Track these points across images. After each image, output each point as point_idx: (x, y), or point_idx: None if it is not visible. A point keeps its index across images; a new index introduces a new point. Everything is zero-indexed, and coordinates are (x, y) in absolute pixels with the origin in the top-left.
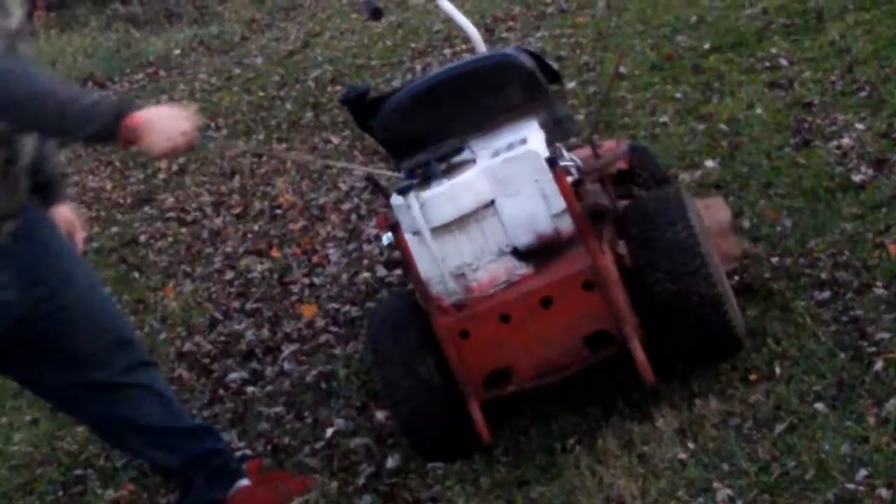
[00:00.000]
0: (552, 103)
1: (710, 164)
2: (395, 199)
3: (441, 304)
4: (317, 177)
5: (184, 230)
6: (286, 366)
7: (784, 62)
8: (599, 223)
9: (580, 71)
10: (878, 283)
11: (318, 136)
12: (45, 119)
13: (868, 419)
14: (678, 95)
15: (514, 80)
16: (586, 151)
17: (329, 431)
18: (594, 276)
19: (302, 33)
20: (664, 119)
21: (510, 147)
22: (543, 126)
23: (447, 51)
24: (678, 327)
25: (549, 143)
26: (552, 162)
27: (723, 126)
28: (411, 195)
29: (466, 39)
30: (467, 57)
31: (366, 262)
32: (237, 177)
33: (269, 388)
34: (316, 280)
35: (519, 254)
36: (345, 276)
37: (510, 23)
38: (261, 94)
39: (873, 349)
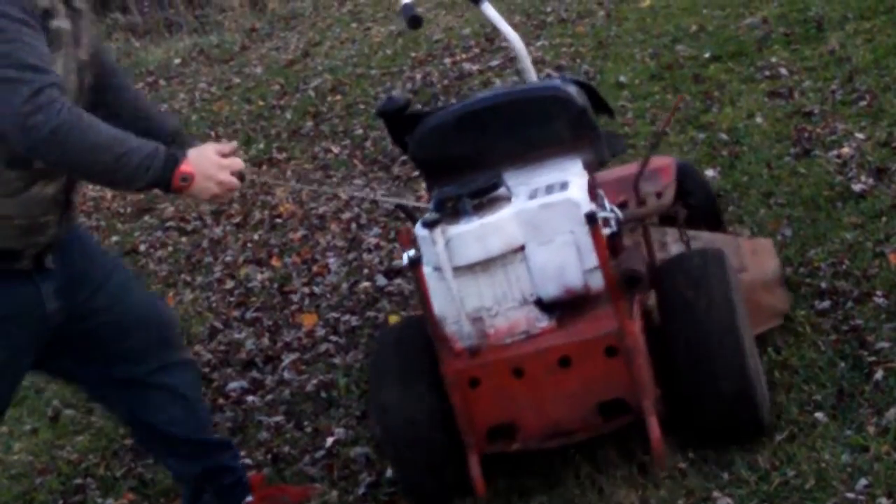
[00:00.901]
0: (600, 141)
1: (710, 173)
2: (420, 231)
3: (454, 346)
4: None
5: (184, 239)
6: (286, 375)
7: (784, 71)
8: (632, 289)
9: None
10: (878, 293)
11: (318, 146)
12: (101, 173)
13: (868, 428)
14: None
15: (562, 115)
16: (632, 168)
17: (329, 441)
18: (619, 343)
19: (302, 42)
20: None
21: (549, 190)
22: (589, 165)
23: (447, 60)
24: (700, 409)
25: (592, 186)
26: (591, 217)
27: (723, 135)
28: (438, 230)
29: (512, 52)
30: (517, 84)
31: (366, 271)
32: None
33: (269, 397)
34: (316, 289)
35: (543, 305)
36: (345, 286)
37: None
38: (261, 103)
39: (873, 358)
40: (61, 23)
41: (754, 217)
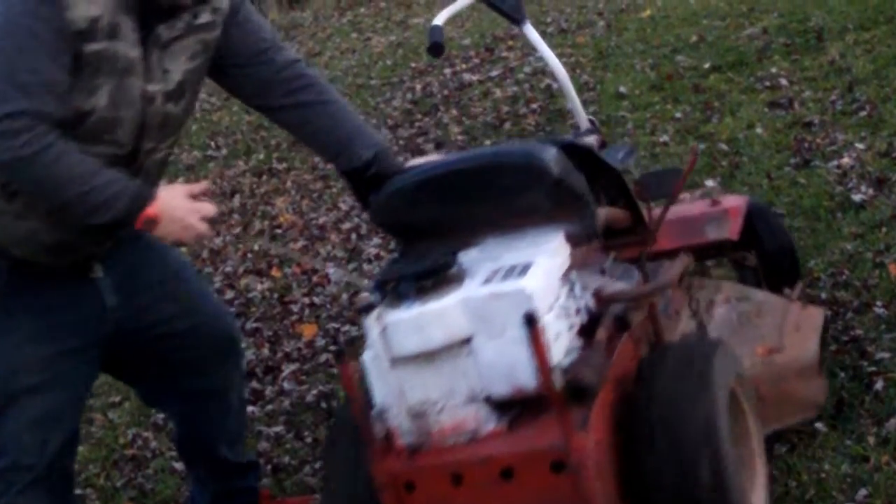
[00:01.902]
0: (588, 211)
1: (710, 183)
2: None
3: (394, 442)
4: (317, 196)
5: (183, 249)
6: (286, 385)
7: (784, 82)
8: (578, 401)
9: (580, 90)
10: (878, 303)
11: (317, 156)
12: (61, 207)
13: (868, 439)
14: (678, 115)
15: (534, 186)
16: (703, 205)
17: None
18: (565, 458)
19: (302, 53)
20: (664, 138)
21: (507, 275)
22: (574, 238)
23: (447, 70)
24: None
25: (569, 266)
26: (530, 319)
27: (723, 145)
28: (373, 316)
29: (554, 80)
30: (488, 148)
31: (366, 281)
32: (237, 196)
33: (269, 407)
34: (316, 300)
35: (494, 403)
36: (345, 296)
37: (510, 42)
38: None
39: (873, 369)
40: (115, 47)
41: None
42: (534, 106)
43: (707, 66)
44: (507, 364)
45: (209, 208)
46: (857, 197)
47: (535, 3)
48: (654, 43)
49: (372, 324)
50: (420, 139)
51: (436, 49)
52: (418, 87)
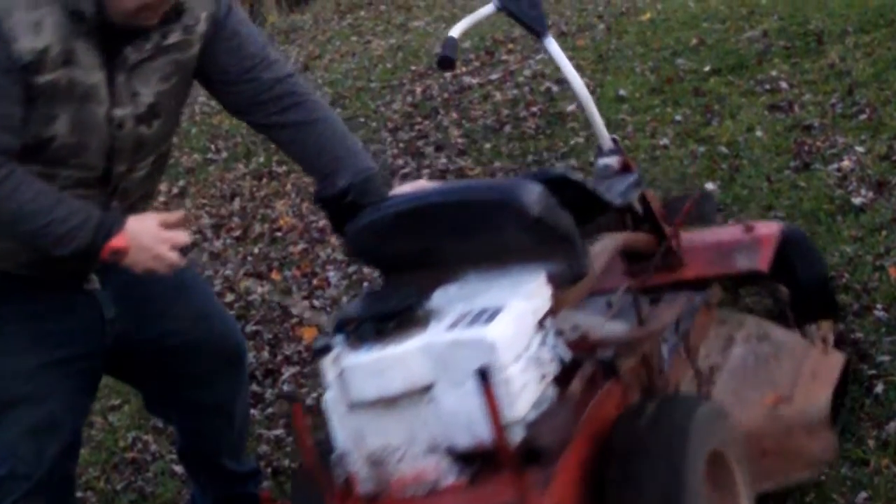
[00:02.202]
0: (575, 250)
1: (710, 186)
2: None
3: (351, 488)
4: None
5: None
6: (286, 388)
7: (784, 85)
8: (532, 464)
9: None
10: (878, 306)
11: None
12: (23, 238)
13: (868, 442)
14: (678, 118)
15: (510, 225)
16: (735, 231)
17: None
18: None
19: (302, 56)
20: (664, 142)
21: (474, 320)
22: (558, 278)
23: (447, 73)
24: None
25: (566, 299)
26: (483, 374)
27: (723, 149)
28: (330, 358)
29: (575, 97)
30: (468, 182)
31: (366, 284)
32: (237, 199)
33: (269, 410)
34: (316, 303)
35: (456, 455)
36: (345, 299)
37: (510, 45)
38: None
39: (873, 372)
40: (71, 75)
41: None
42: (534, 109)
43: (707, 69)
44: (468, 415)
45: (181, 237)
46: (857, 200)
47: None
48: (654, 46)
49: (329, 366)
50: (420, 142)
51: (446, 63)
52: (418, 90)
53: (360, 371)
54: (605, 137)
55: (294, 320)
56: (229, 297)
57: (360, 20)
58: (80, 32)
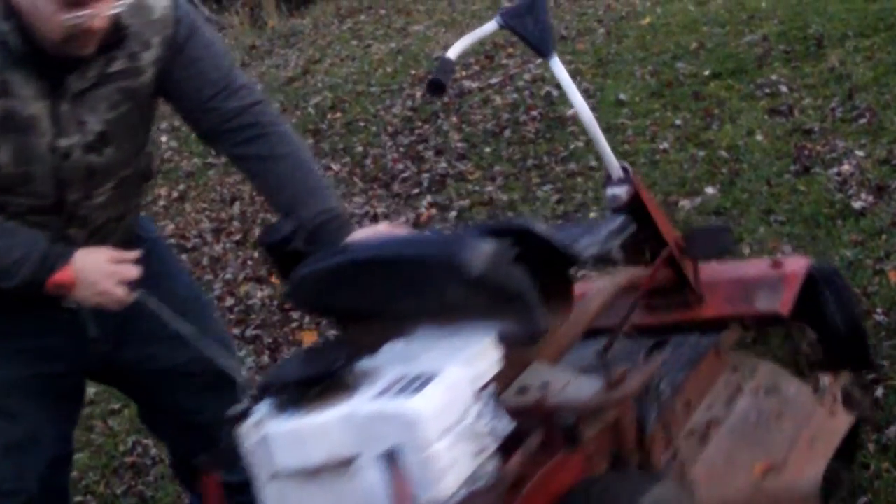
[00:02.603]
0: (528, 310)
1: (710, 190)
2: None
3: None
4: None
5: (184, 257)
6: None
7: (784, 89)
8: None
9: None
10: (878, 310)
11: (318, 163)
12: None
13: (868, 446)
14: (678, 122)
15: (452, 284)
16: (761, 265)
17: None
18: None
19: (302, 60)
20: (664, 146)
21: (405, 388)
22: (511, 338)
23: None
24: None
25: (512, 360)
26: (390, 456)
27: (723, 153)
28: (249, 424)
29: (579, 118)
30: (413, 237)
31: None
32: (237, 203)
33: None
34: None
35: None
36: None
37: (510, 49)
38: None
39: (873, 375)
40: (7, 106)
41: (754, 235)
42: (534, 113)
43: (707, 73)
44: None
45: (130, 272)
46: (857, 204)
47: None
48: (654, 50)
49: (248, 433)
50: (420, 146)
51: (435, 87)
52: (418, 94)
53: (282, 439)
54: (613, 165)
55: (294, 324)
56: (229, 301)
57: (361, 24)
58: (11, 63)
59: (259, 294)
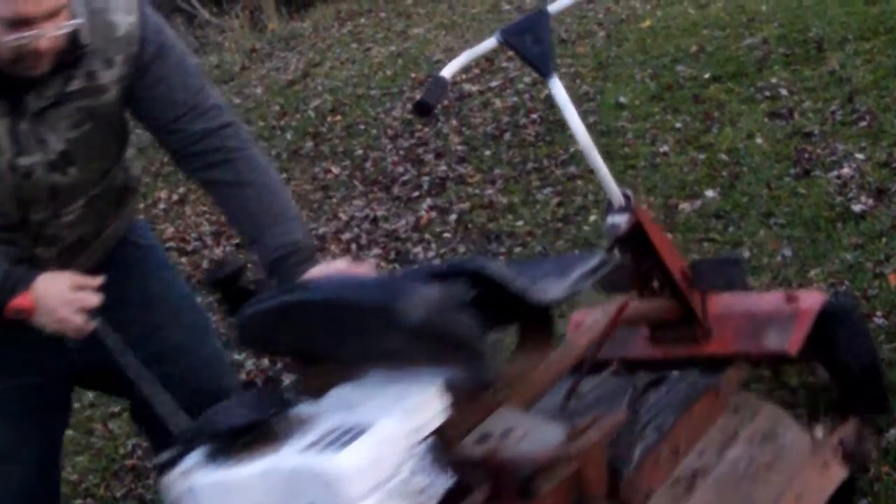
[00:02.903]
0: (477, 358)
1: (710, 193)
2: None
3: None
4: (316, 206)
5: (184, 260)
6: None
7: (784, 92)
8: None
9: (580, 101)
10: (878, 313)
11: (318, 166)
12: None
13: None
14: (678, 125)
15: (388, 331)
16: (775, 299)
17: None
18: None
19: (302, 63)
20: (664, 149)
21: (335, 440)
22: (458, 385)
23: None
24: None
25: (474, 405)
26: None
27: (723, 156)
28: (174, 474)
29: (577, 143)
30: (353, 281)
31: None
32: None
33: None
34: None
35: None
36: None
37: (510, 53)
38: (261, 123)
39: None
40: None
41: (754, 238)
42: (534, 116)
43: (707, 76)
44: None
45: (90, 300)
46: (857, 207)
47: None
48: (653, 53)
49: (175, 482)
50: (420, 149)
51: (422, 109)
52: (418, 97)
53: (207, 491)
54: (614, 192)
55: None
56: None
57: (361, 27)
58: None
59: None
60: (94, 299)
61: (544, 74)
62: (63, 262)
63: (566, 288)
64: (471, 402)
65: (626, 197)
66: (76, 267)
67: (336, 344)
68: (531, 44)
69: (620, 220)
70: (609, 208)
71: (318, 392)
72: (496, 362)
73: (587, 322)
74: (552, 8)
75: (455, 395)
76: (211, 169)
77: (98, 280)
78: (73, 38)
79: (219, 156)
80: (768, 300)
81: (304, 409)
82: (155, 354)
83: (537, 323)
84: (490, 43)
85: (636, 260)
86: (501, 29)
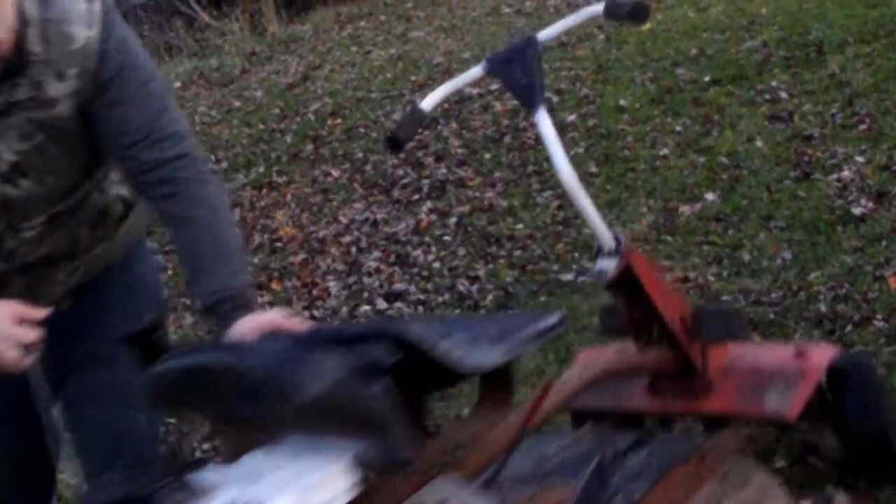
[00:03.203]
0: (388, 436)
1: (710, 196)
2: None
3: None
4: (317, 209)
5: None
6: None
7: (784, 95)
8: None
9: (580, 104)
10: (878, 317)
11: (318, 169)
12: None
13: None
14: (678, 128)
15: (284, 402)
16: (783, 353)
17: None
18: None
19: (302, 66)
20: (664, 152)
21: None
22: (370, 463)
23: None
24: None
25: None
26: None
27: (723, 159)
28: None
29: (562, 183)
30: (256, 344)
31: (366, 294)
32: (237, 210)
33: None
34: (316, 313)
35: None
36: (345, 309)
37: None
38: (261, 126)
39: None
40: None
41: (754, 241)
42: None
43: (707, 79)
44: None
45: (28, 335)
46: (857, 210)
47: (535, 17)
48: (654, 56)
49: None
50: (420, 153)
51: (393, 143)
52: (418, 100)
53: None
54: (604, 236)
55: None
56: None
57: (360, 30)
58: None
59: (259, 300)
60: (32, 335)
61: (531, 107)
62: (31, 277)
63: (502, 353)
64: (399, 473)
65: (617, 240)
66: (51, 284)
67: (237, 410)
68: (519, 74)
69: (609, 266)
70: (598, 252)
71: (233, 456)
72: (414, 434)
73: (563, 379)
74: (542, 35)
75: (372, 468)
76: (160, 200)
77: (42, 313)
78: (20, 46)
79: (167, 188)
80: (777, 354)
81: (210, 476)
82: (74, 396)
83: (495, 382)
84: (476, 72)
85: (629, 307)
86: (488, 58)
